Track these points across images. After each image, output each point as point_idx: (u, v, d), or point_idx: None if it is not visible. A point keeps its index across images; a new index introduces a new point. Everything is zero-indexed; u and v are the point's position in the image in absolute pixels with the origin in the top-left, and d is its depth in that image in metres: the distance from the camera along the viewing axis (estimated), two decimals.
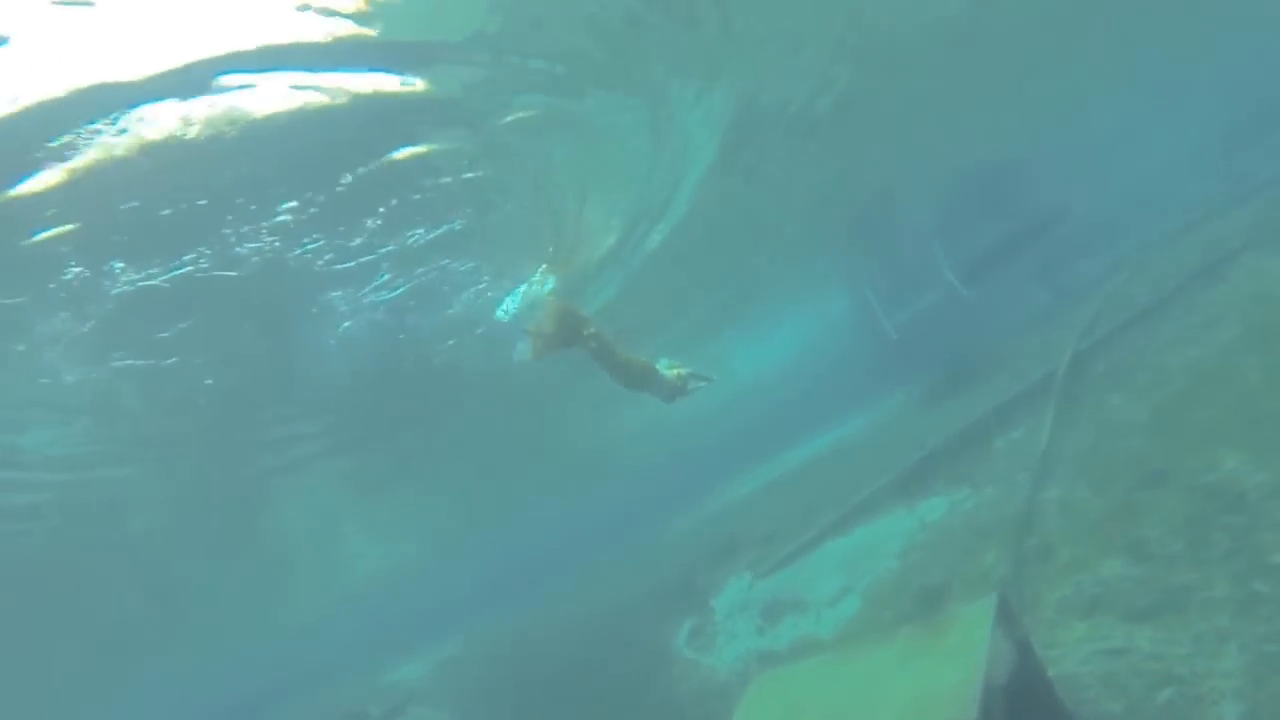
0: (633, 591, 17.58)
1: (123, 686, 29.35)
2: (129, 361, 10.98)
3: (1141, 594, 7.42)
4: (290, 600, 33.53)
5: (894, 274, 20.56)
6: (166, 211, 8.34)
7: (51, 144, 7.09)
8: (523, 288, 14.40)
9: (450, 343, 17.52)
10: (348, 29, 7.63)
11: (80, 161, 7.34)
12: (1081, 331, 13.21)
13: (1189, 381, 10.20)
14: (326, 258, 10.48)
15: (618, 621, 16.35)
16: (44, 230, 7.98)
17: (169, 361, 11.55)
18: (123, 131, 7.24)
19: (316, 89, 8.07)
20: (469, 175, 10.84)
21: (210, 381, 12.92)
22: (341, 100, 8.34)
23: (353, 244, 10.53)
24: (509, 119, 10.33)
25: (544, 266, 14.78)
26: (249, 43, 7.25)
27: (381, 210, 10.25)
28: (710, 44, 11.81)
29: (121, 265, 8.58)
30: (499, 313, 14.71)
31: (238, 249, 9.20)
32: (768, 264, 26.74)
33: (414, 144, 9.72)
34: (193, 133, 7.68)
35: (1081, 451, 10.50)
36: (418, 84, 8.86)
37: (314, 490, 22.39)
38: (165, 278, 8.95)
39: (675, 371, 9.05)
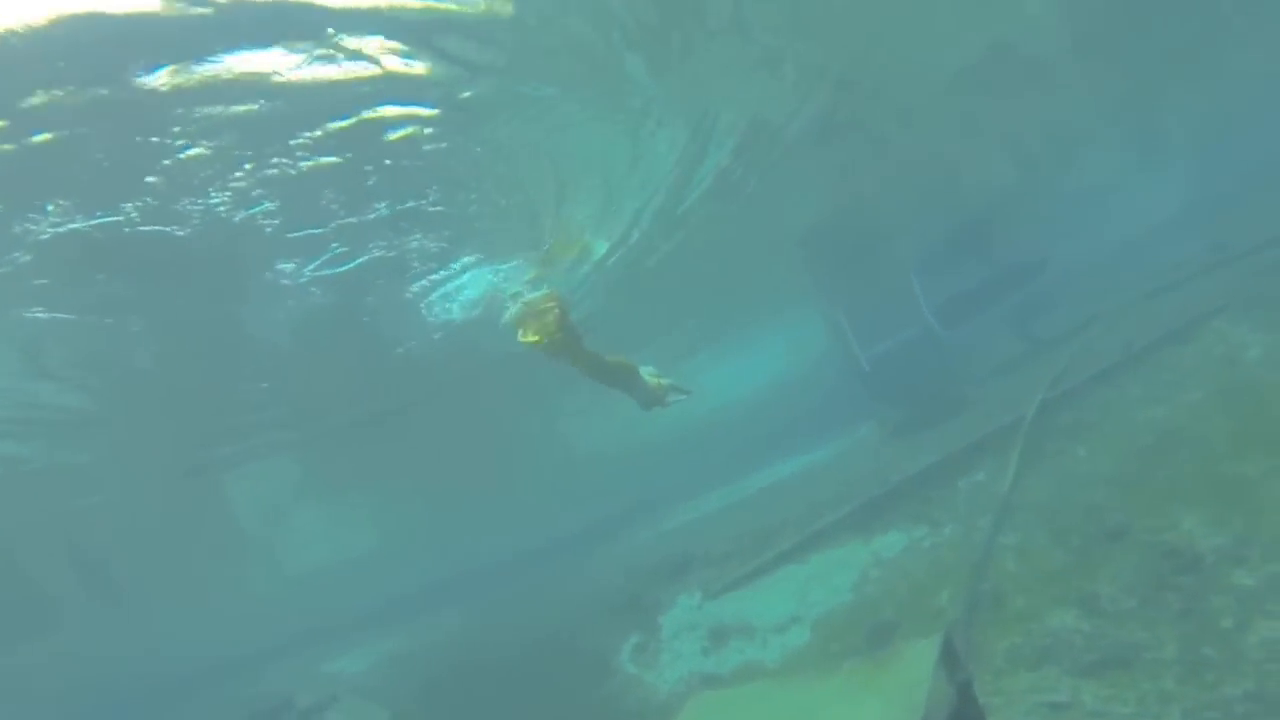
0: (583, 601, 17.29)
1: (48, 662, 28.30)
2: (39, 314, 10.09)
3: (1090, 649, 7.35)
4: (231, 581, 32.72)
5: (872, 306, 20.63)
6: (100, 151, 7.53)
7: None
8: (494, 279, 14.11)
9: (418, 339, 17.16)
10: None
11: None
12: (1051, 381, 13.26)
13: (1154, 439, 10.23)
14: (276, 222, 9.82)
15: (564, 630, 16.07)
16: None
17: (94, 321, 10.80)
18: None
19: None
20: (445, 145, 10.21)
21: (144, 353, 12.25)
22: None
23: (310, 211, 9.87)
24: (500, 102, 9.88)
25: (528, 261, 14.41)
26: None
27: (349, 178, 9.65)
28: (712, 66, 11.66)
29: (52, 207, 7.90)
30: (461, 301, 14.42)
31: (180, 204, 8.56)
32: (750, 286, 26.81)
33: (393, 103, 9.04)
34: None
35: (1043, 500, 10.49)
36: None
37: (263, 473, 21.80)
38: (91, 224, 8.25)
39: (657, 381, 9.26)
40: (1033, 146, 22.56)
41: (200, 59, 7.26)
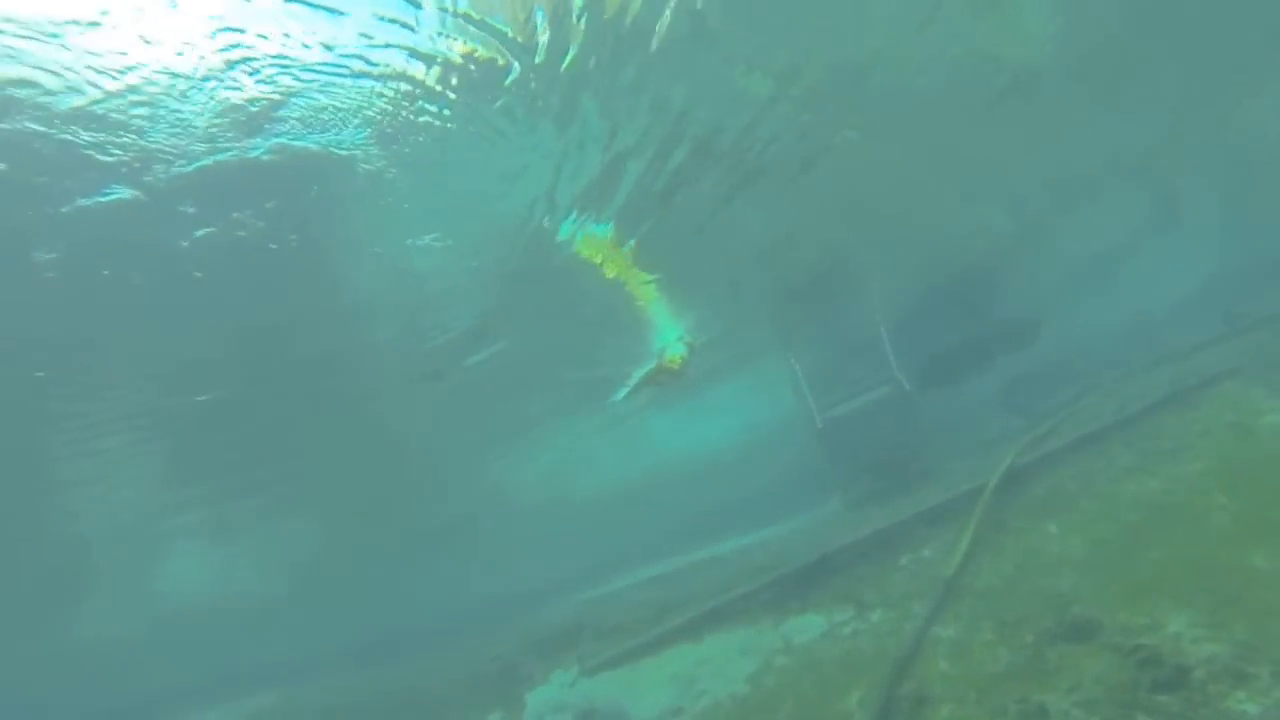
0: (456, 672, 15.24)
1: None
2: None
3: None
4: (83, 615, 29.75)
5: (836, 360, 18.84)
6: None
7: None
8: None
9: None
10: None
11: None
12: (1023, 446, 11.47)
13: (1141, 516, 8.45)
14: None
15: (429, 701, 14.14)
16: None
17: None
18: None
19: None
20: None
21: None
22: None
23: None
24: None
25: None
26: None
27: None
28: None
29: None
30: None
31: None
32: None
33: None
34: None
35: (996, 585, 8.62)
36: None
37: (126, 493, 19.56)
38: None
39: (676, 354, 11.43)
40: (1032, 197, 21.22)
41: None
